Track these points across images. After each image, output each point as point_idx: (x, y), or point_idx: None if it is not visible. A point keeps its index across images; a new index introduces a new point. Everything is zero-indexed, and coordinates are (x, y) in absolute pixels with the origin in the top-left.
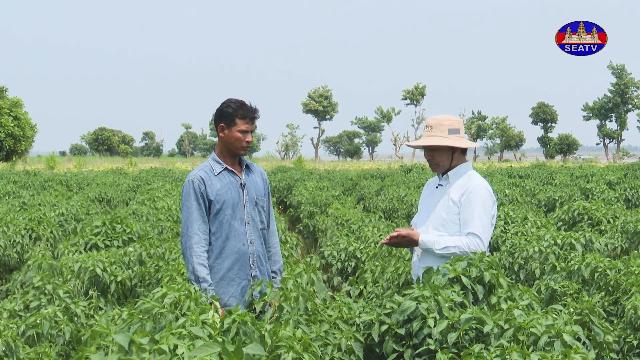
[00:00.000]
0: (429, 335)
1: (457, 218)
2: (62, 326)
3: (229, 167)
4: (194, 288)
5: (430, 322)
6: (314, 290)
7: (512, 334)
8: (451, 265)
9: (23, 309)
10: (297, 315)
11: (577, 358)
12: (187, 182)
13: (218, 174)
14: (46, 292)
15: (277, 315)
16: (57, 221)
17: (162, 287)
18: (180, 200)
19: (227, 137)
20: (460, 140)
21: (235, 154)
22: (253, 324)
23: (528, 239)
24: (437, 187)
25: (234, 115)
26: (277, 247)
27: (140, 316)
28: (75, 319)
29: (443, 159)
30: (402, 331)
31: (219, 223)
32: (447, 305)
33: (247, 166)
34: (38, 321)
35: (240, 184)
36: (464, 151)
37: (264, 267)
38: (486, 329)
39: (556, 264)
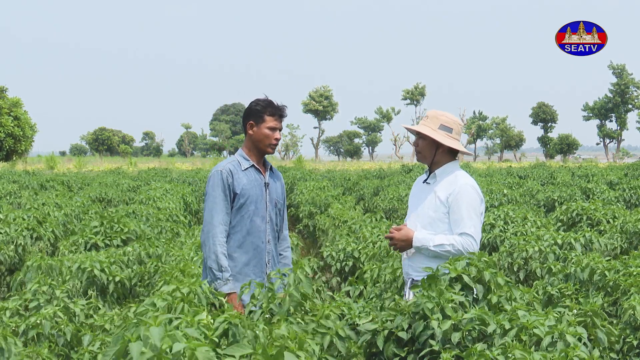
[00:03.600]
0: (432, 337)
1: (445, 217)
2: (62, 326)
3: (255, 165)
4: (203, 284)
5: (434, 323)
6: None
7: (515, 334)
8: (451, 264)
9: (23, 309)
10: (285, 315)
11: (579, 358)
12: (216, 173)
13: (245, 169)
14: (44, 293)
15: (267, 316)
16: (61, 221)
17: (168, 284)
18: (181, 199)
19: (256, 134)
20: (447, 139)
21: (263, 152)
22: (243, 324)
23: (527, 239)
24: (424, 182)
25: (262, 112)
26: (288, 251)
27: (135, 320)
28: (75, 318)
29: (425, 150)
30: (404, 335)
31: (240, 217)
32: (450, 305)
33: (271, 168)
34: (38, 321)
35: (265, 182)
36: (453, 152)
37: (276, 267)
38: (490, 329)
39: (552, 266)
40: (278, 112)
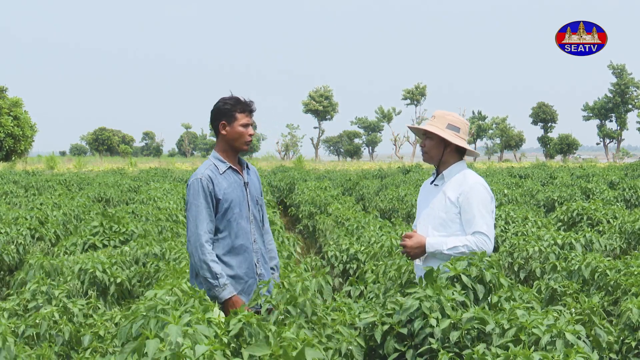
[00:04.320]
0: (431, 335)
1: (457, 217)
2: (62, 326)
3: (233, 166)
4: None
5: (433, 321)
6: (321, 294)
7: (514, 334)
8: (451, 264)
9: (22, 310)
10: (302, 319)
11: (580, 358)
12: (195, 181)
13: (223, 172)
14: (42, 293)
15: (282, 317)
16: (61, 221)
17: (159, 286)
18: (182, 199)
19: (230, 133)
20: (455, 137)
21: (238, 150)
22: (258, 325)
23: (527, 239)
24: (431, 184)
25: (233, 110)
26: (272, 244)
27: (144, 313)
28: (74, 318)
29: (433, 150)
30: (404, 331)
31: (227, 222)
32: (449, 304)
33: (247, 166)
34: (37, 321)
35: (244, 182)
36: (460, 152)
37: (266, 264)
38: (488, 329)
39: (557, 263)
40: (248, 108)
